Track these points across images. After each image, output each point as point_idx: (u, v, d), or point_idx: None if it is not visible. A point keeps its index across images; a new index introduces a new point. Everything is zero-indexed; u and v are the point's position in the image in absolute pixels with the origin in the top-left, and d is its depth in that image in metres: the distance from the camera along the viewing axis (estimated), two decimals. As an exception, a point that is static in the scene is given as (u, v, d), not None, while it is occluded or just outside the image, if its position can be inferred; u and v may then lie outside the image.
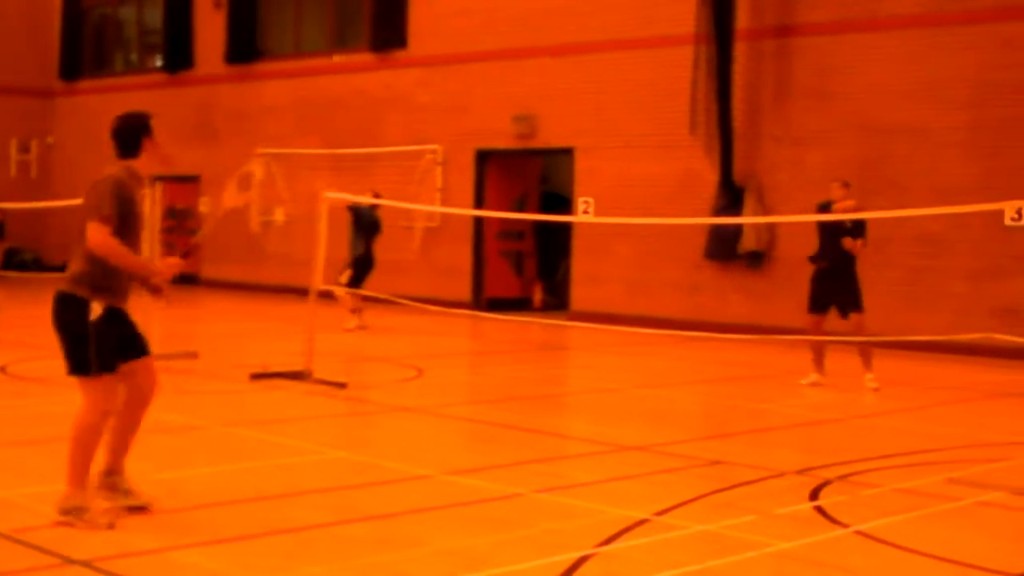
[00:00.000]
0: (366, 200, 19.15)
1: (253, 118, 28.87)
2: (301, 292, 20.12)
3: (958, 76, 18.69)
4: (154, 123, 7.60)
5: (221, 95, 29.84)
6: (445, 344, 19.32)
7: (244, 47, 29.22)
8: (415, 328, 20.73)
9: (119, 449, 7.59)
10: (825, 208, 14.19)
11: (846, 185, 14.33)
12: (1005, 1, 18.38)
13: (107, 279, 7.28)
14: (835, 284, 14.10)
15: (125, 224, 7.28)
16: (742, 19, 20.66)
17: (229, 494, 8.13)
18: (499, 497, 8.26)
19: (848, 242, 13.93)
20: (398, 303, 17.55)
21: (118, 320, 7.38)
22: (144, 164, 7.56)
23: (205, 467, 9.03)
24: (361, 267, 20.13)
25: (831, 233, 14.09)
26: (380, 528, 7.39)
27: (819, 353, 14.34)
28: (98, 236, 7.17)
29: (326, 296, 14.46)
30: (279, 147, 27.93)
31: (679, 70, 21.18)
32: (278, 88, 28.52)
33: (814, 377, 14.28)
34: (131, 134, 7.53)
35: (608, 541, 7.10)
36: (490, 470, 9.21)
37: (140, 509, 7.51)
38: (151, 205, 14.66)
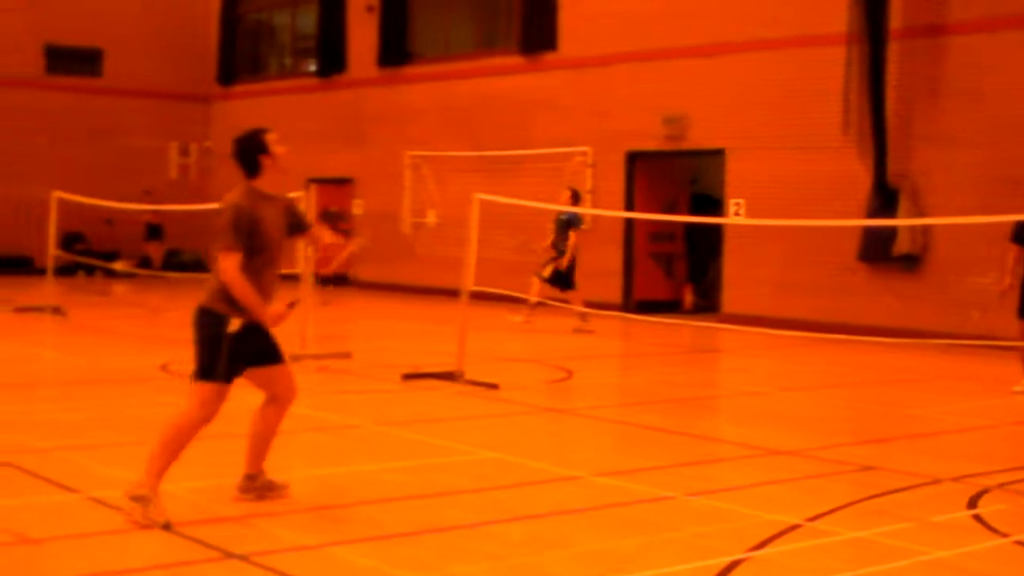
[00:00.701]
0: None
1: (403, 121, 29.18)
2: (452, 293, 20.33)
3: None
4: (270, 137, 7.87)
5: (371, 98, 30.21)
6: (595, 346, 19.32)
7: (395, 50, 29.56)
8: (566, 330, 20.76)
9: (261, 454, 7.88)
10: None
11: None
12: None
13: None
14: None
15: (251, 245, 7.53)
16: (895, 18, 20.34)
17: (382, 492, 8.25)
18: (649, 499, 8.26)
19: None
20: (548, 305, 17.62)
21: (256, 335, 7.62)
22: (265, 182, 7.82)
23: (358, 465, 9.18)
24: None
25: None
26: (529, 528, 7.44)
27: None
28: (226, 266, 7.45)
29: (477, 297, 14.56)
30: (428, 150, 28.19)
31: (830, 70, 20.92)
32: (427, 91, 28.78)
33: None
34: (248, 155, 7.84)
35: (760, 546, 7.06)
36: (639, 472, 9.21)
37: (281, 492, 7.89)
38: (305, 207, 14.90)
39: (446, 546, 6.99)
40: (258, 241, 7.57)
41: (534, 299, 20.01)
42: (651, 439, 11.06)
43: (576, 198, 20.91)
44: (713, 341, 20.70)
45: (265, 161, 7.81)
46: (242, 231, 7.49)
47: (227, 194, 7.83)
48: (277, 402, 7.82)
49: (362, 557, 6.68)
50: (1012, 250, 14.06)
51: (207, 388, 7.48)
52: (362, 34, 30.20)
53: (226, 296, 7.49)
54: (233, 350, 7.48)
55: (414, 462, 9.36)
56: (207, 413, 7.51)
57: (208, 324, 7.53)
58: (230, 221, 7.51)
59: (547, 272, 20.38)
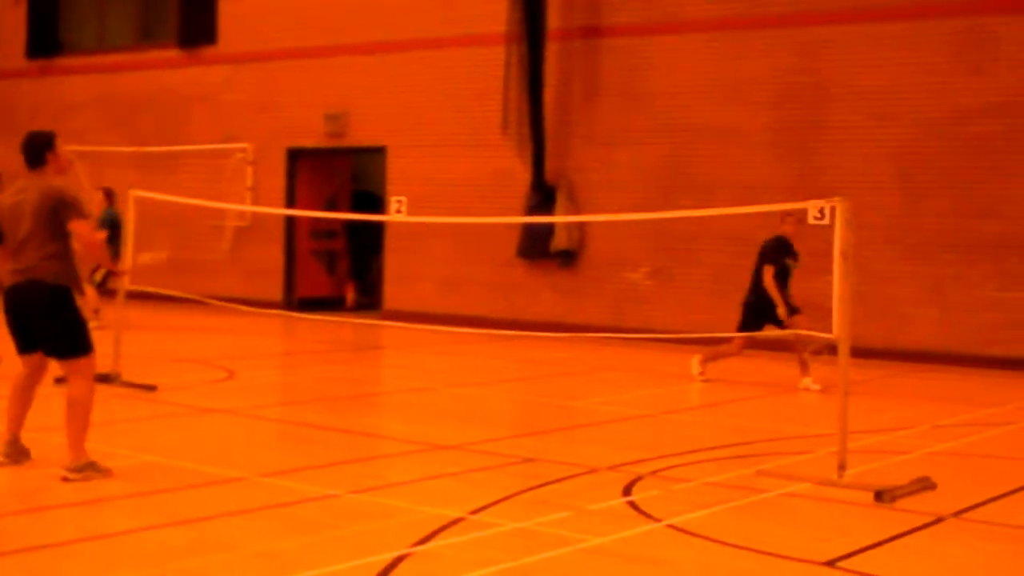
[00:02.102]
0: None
1: (56, 114, 28.12)
2: (108, 293, 19.71)
3: (760, 78, 19.15)
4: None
5: (21, 90, 29.00)
6: (256, 345, 19.09)
7: (45, 41, 28.46)
8: (226, 329, 20.44)
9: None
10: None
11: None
12: (802, 6, 18.89)
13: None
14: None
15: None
16: (553, 19, 20.83)
17: (34, 500, 7.95)
18: (313, 498, 8.19)
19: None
20: (208, 303, 17.29)
21: None
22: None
23: (11, 474, 8.77)
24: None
25: None
26: (193, 532, 7.27)
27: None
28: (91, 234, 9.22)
29: (135, 296, 14.16)
30: (83, 144, 27.25)
31: (491, 69, 21.27)
32: (83, 83, 27.83)
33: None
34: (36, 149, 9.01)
35: (424, 540, 7.10)
36: (304, 471, 9.13)
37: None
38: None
39: (105, 554, 6.76)
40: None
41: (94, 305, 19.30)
42: (315, 437, 10.99)
43: (109, 197, 20.37)
44: (376, 338, 20.74)
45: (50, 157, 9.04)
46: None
47: None
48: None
49: (13, 571, 6.37)
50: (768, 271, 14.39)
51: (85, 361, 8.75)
52: (10, 23, 28.94)
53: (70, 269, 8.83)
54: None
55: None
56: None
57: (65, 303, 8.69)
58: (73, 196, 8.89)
59: (99, 276, 19.80)
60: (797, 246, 14.62)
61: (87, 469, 8.50)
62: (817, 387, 14.03)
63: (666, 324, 18.94)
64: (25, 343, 8.82)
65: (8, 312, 8.79)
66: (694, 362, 14.84)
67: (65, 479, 8.40)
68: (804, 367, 14.34)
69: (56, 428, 10.48)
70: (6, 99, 29.21)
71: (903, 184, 18.04)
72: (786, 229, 14.50)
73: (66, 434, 8.62)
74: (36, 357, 8.88)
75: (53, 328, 8.68)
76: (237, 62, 25.15)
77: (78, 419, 8.63)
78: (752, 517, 8.03)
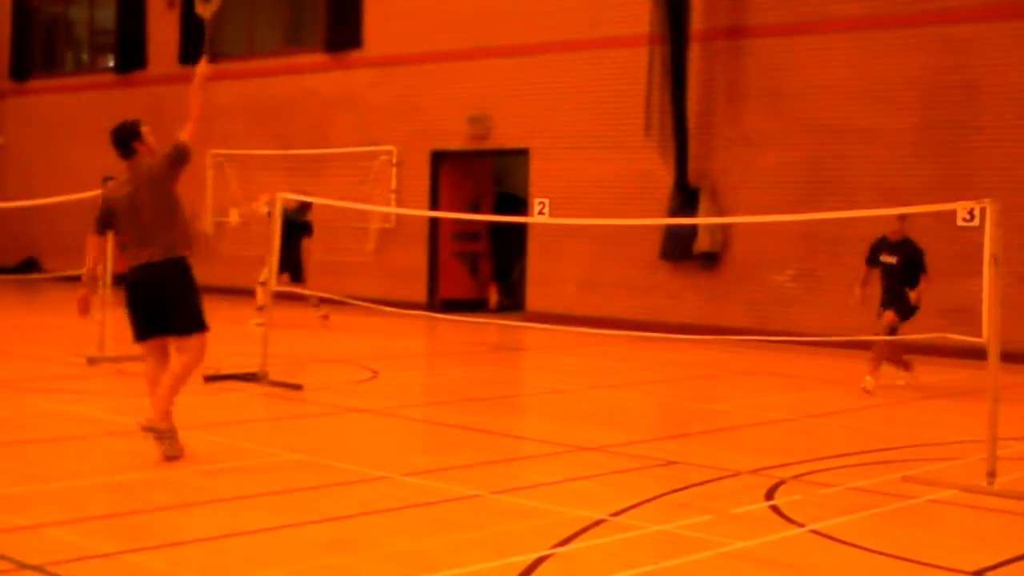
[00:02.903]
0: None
1: (206, 119, 28.64)
2: (254, 294, 20.10)
3: (907, 77, 18.83)
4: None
5: (173, 96, 29.60)
6: (400, 346, 19.27)
7: (197, 47, 28.99)
8: (370, 329, 20.68)
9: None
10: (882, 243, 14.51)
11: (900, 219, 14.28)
12: (949, 3, 18.54)
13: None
14: None
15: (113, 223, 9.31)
16: (695, 20, 20.72)
17: (181, 497, 8.09)
18: (455, 498, 8.24)
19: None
20: (353, 304, 17.51)
21: None
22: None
23: (158, 470, 8.96)
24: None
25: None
26: (335, 530, 7.36)
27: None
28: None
29: (281, 296, 14.41)
30: (232, 148, 27.79)
31: (633, 71, 21.23)
32: (231, 89, 28.34)
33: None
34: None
35: (565, 542, 7.10)
36: (446, 471, 9.19)
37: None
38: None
39: (248, 550, 6.87)
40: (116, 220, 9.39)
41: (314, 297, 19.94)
42: (457, 438, 11.05)
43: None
44: (518, 340, 20.80)
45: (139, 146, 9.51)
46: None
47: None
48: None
49: (160, 563, 6.52)
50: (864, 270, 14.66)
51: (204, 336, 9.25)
52: (163, 30, 29.62)
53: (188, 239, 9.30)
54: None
55: (215, 465, 9.19)
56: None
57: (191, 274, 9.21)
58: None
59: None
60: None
61: (168, 435, 9.04)
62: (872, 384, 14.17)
63: (809, 327, 18.71)
64: (149, 327, 9.14)
65: (136, 297, 9.06)
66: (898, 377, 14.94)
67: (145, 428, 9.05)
68: (902, 365, 14.82)
69: (205, 426, 10.71)
70: (158, 104, 29.83)
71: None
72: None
73: (161, 395, 9.13)
74: (159, 341, 9.22)
75: (184, 301, 9.13)
76: (381, 65, 25.43)
77: (177, 388, 9.18)
78: (898, 524, 7.90)
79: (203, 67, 9.48)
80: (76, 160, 29.40)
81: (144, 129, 9.58)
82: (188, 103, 9.87)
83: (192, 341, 9.16)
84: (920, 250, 14.38)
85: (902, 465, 9.70)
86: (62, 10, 33.91)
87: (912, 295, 14.17)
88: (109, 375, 13.54)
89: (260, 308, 19.72)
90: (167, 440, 9.00)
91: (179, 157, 9.40)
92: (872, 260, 14.56)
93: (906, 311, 14.26)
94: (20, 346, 16.96)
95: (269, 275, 17.09)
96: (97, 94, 31.27)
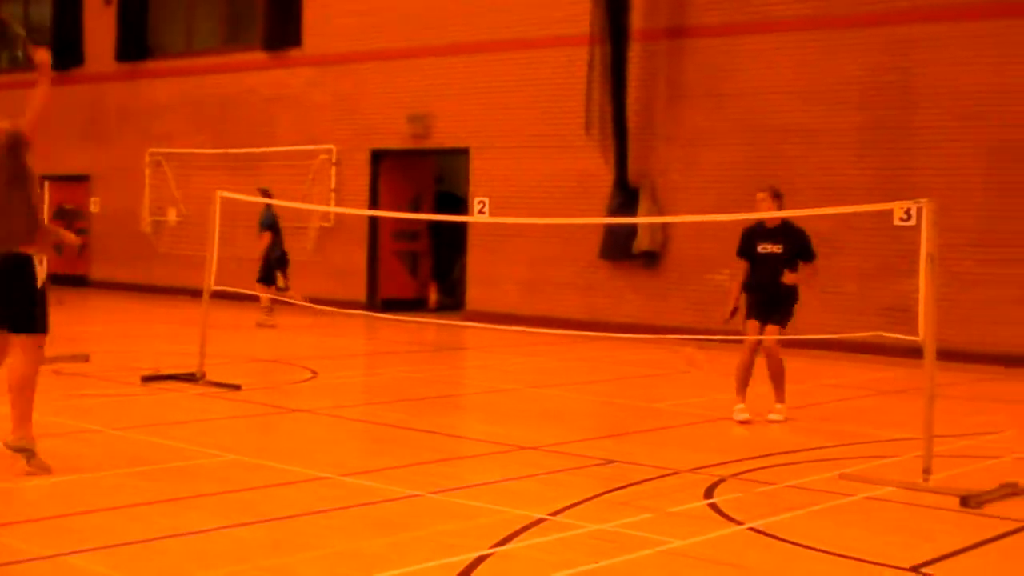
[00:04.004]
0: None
1: (144, 117, 28.51)
2: (193, 293, 19.94)
3: (847, 78, 18.99)
4: None
5: (111, 93, 29.42)
6: (340, 345, 19.22)
7: (134, 45, 28.83)
8: (310, 329, 20.61)
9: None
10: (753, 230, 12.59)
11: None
12: (891, 5, 18.70)
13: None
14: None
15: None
16: (636, 20, 20.79)
17: (120, 499, 8.02)
18: (395, 498, 8.22)
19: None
20: (292, 303, 17.44)
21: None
22: None
23: (98, 471, 8.89)
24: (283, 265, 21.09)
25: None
26: (275, 530, 7.32)
27: None
28: None
29: (220, 296, 14.32)
30: (170, 146, 27.61)
31: (574, 70, 21.27)
32: (170, 87, 28.18)
33: None
34: None
35: (504, 541, 7.10)
36: (386, 471, 9.17)
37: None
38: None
39: (188, 551, 6.82)
40: None
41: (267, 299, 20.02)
42: (397, 438, 11.03)
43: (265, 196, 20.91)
44: (458, 339, 20.80)
45: None
46: None
47: None
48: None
49: (101, 566, 6.46)
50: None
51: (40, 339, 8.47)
52: (100, 27, 29.39)
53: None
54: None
55: (154, 467, 9.12)
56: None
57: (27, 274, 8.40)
58: None
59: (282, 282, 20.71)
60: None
61: (24, 453, 8.43)
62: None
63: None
64: None
65: None
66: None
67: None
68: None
69: (143, 426, 10.64)
70: (95, 102, 29.64)
71: (991, 185, 17.80)
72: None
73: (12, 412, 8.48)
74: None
75: (19, 298, 8.42)
76: (321, 64, 25.34)
77: (18, 402, 8.45)
78: (835, 521, 7.96)
79: (44, 55, 8.79)
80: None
81: None
82: (32, 94, 8.95)
83: (25, 341, 8.46)
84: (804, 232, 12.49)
85: (839, 463, 9.77)
86: (-3, 7, 33.55)
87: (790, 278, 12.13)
88: (45, 375, 13.36)
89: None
90: (35, 460, 8.42)
91: (13, 145, 8.56)
92: (747, 248, 12.58)
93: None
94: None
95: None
96: (33, 92, 30.91)
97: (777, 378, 12.28)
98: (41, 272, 8.42)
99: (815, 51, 19.31)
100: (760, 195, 12.51)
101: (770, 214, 12.17)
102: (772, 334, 12.22)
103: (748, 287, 12.41)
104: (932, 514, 8.21)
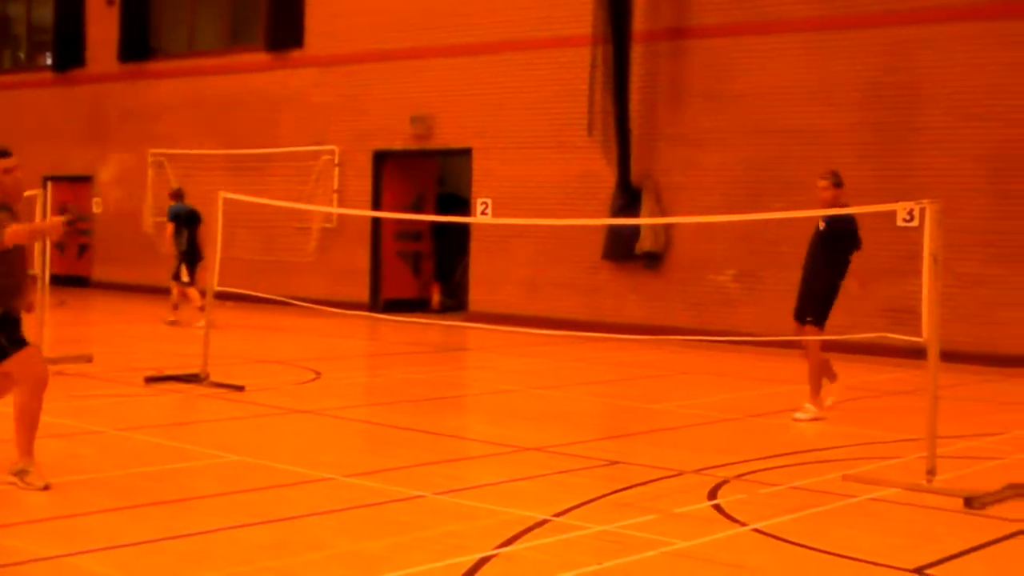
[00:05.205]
0: None
1: (146, 117, 28.51)
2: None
3: (849, 79, 18.98)
4: (2, 162, 8.23)
5: (113, 94, 29.43)
6: (343, 346, 19.22)
7: (137, 45, 28.85)
8: (313, 330, 20.61)
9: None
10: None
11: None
12: (894, 6, 18.69)
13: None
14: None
15: None
16: (638, 21, 20.78)
17: (123, 499, 8.01)
18: (399, 499, 8.22)
19: None
20: (295, 305, 17.44)
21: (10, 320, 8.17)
22: None
23: (101, 472, 8.90)
24: (191, 260, 21.05)
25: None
26: (279, 531, 7.32)
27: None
28: None
29: (222, 297, 14.32)
30: (173, 147, 27.62)
31: (576, 71, 21.27)
32: (172, 87, 28.18)
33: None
34: None
35: (508, 542, 7.10)
36: (389, 472, 9.17)
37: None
38: (40, 205, 14.38)
39: (191, 552, 6.83)
40: None
41: (199, 302, 19.95)
42: (400, 439, 11.03)
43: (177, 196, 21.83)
44: (461, 340, 20.79)
45: None
46: None
47: None
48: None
49: (103, 567, 6.46)
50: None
51: (17, 357, 8.12)
52: (102, 27, 29.39)
53: None
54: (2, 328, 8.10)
55: (158, 467, 9.13)
56: (39, 375, 8.23)
57: None
58: None
59: (186, 275, 20.84)
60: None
61: (18, 475, 8.17)
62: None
63: (751, 327, 18.81)
64: None
65: None
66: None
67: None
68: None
69: (146, 427, 10.64)
70: (98, 103, 29.65)
71: (995, 186, 17.79)
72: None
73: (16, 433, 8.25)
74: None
75: None
76: (324, 65, 25.35)
77: (24, 421, 8.22)
78: (839, 522, 7.95)
79: (55, 229, 8.47)
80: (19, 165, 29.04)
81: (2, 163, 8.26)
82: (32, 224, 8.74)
83: (7, 365, 8.16)
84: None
85: (843, 464, 9.77)
86: (-1, 8, 33.60)
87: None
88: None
89: (201, 308, 19.94)
90: (28, 476, 8.13)
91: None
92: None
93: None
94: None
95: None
96: (35, 92, 31.01)
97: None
98: None
99: (818, 51, 19.30)
100: (822, 183, 12.59)
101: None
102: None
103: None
104: (936, 515, 8.20)
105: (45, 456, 8.72)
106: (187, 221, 21.04)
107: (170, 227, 21.10)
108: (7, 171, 8.23)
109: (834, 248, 12.37)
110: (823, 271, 12.41)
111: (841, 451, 10.54)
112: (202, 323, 19.87)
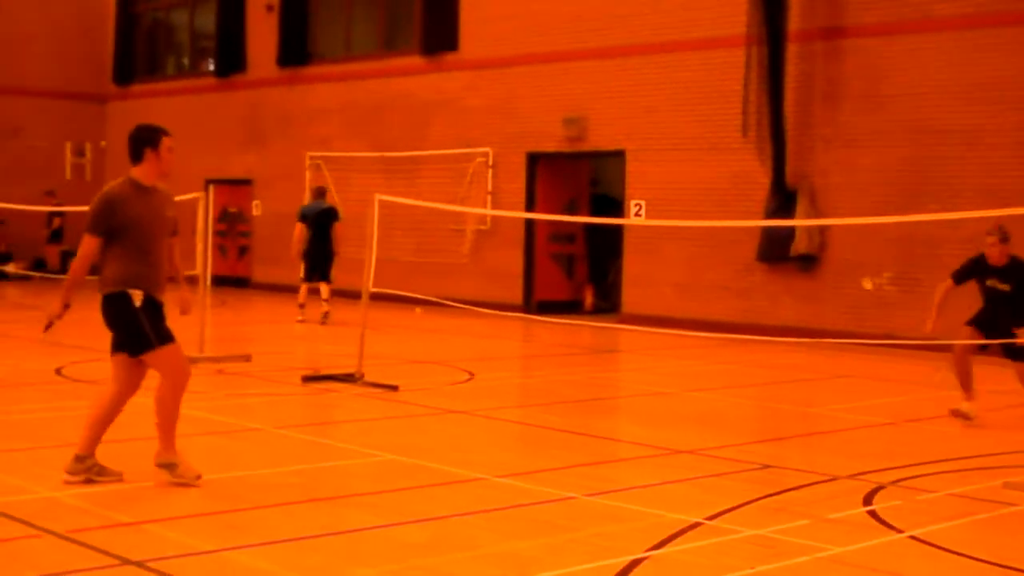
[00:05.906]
0: None
1: (303, 121, 28.99)
2: (350, 295, 20.21)
3: (1009, 77, 18.52)
4: (166, 138, 8.56)
5: (271, 98, 29.97)
6: (496, 347, 19.32)
7: (295, 50, 29.35)
8: (466, 331, 20.76)
9: (98, 436, 8.34)
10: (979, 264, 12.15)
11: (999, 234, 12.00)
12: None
13: (137, 272, 8.26)
14: None
15: (120, 235, 8.24)
16: (793, 21, 20.56)
17: (280, 496, 8.16)
18: (550, 500, 8.25)
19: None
20: (449, 306, 17.59)
21: (155, 309, 8.30)
22: (142, 173, 8.49)
23: (258, 469, 9.07)
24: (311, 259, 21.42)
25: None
26: (431, 530, 7.39)
27: None
28: (81, 246, 8.32)
29: (378, 298, 14.49)
30: (328, 150, 28.03)
31: (730, 72, 21.11)
32: (328, 91, 28.61)
33: None
34: (136, 143, 8.53)
35: (660, 545, 7.08)
36: (541, 473, 9.20)
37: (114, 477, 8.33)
38: (203, 208, 14.73)
39: (346, 549, 6.93)
40: (130, 232, 8.24)
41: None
42: (552, 440, 11.06)
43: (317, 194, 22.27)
44: (614, 342, 20.77)
45: (148, 154, 8.47)
46: (108, 218, 8.21)
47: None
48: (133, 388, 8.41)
49: (259, 561, 6.60)
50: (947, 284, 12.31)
51: (157, 354, 8.16)
52: (262, 34, 29.95)
53: (117, 276, 8.21)
54: (148, 319, 8.17)
55: (313, 465, 9.28)
56: (175, 371, 8.24)
57: (114, 307, 8.22)
58: (96, 206, 8.27)
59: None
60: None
61: (167, 468, 8.31)
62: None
63: (908, 330, 18.47)
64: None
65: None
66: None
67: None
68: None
69: (303, 426, 10.81)
70: (256, 108, 30.23)
71: None
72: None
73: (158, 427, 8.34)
74: (122, 358, 8.41)
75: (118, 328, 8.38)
76: (477, 68, 25.51)
77: (164, 414, 8.32)
78: (999, 531, 7.78)
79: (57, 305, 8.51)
80: (177, 162, 29.74)
81: (166, 139, 8.57)
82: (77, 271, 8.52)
83: (149, 360, 8.29)
84: None
85: (1003, 472, 9.55)
86: (164, 15, 34.42)
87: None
88: (209, 375, 13.69)
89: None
90: (177, 470, 8.29)
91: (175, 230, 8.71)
92: (967, 278, 12.22)
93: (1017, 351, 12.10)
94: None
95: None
96: (198, 97, 31.71)
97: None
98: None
99: (974, 50, 18.88)
100: (990, 239, 12.00)
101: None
102: None
103: (974, 322, 12.22)
104: (1101, 525, 7.99)
105: (203, 452, 8.94)
106: (315, 220, 21.18)
107: (298, 228, 21.29)
108: (170, 149, 8.59)
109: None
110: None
111: (1001, 458, 10.32)
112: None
